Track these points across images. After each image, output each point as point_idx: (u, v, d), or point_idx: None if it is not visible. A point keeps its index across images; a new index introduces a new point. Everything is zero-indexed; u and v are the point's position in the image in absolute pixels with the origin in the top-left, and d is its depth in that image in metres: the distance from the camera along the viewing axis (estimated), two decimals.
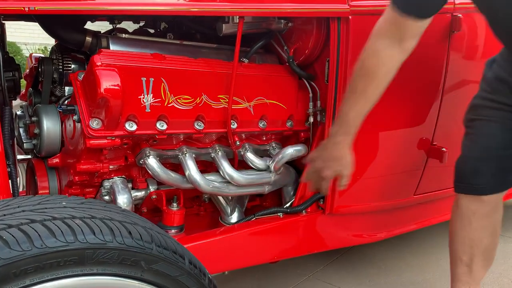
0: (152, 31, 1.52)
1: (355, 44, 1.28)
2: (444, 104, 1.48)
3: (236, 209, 1.48)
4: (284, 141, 1.48)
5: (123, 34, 1.24)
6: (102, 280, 0.66)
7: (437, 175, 1.63)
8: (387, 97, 1.40)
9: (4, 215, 0.64)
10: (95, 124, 1.09)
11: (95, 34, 1.24)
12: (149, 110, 1.13)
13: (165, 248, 0.70)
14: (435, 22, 1.40)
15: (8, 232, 0.60)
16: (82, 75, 1.14)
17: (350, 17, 1.26)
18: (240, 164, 1.40)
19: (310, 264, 1.91)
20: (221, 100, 1.25)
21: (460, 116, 1.58)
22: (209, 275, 0.77)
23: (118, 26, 1.38)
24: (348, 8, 1.26)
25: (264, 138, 1.44)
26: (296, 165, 1.51)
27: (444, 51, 1.42)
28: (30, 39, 6.91)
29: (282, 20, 1.34)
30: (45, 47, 6.80)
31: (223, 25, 1.25)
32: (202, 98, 1.21)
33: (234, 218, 1.47)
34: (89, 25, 1.32)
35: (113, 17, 1.34)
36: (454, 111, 1.54)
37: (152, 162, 1.21)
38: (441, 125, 1.51)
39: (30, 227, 0.61)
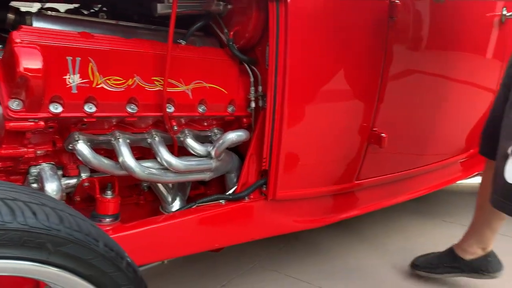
0: (86, 12, 1.44)
1: (293, 27, 1.26)
2: (383, 92, 1.50)
3: (178, 198, 1.44)
4: (227, 127, 1.45)
5: (49, 12, 1.17)
6: (4, 264, 0.61)
7: (378, 161, 1.65)
8: (328, 85, 1.41)
9: None
10: (15, 105, 1.02)
11: (19, 12, 1.16)
12: (76, 91, 1.07)
13: (76, 230, 0.66)
14: (373, 8, 1.42)
15: None
16: (2, 54, 1.06)
17: None
18: (180, 151, 1.36)
19: (256, 252, 1.90)
20: (156, 83, 1.20)
21: (399, 103, 1.61)
22: (128, 259, 0.73)
23: (47, 4, 1.31)
24: None
25: (205, 124, 1.41)
26: (239, 151, 1.49)
27: (383, 38, 1.44)
28: None
29: (221, 2, 1.31)
30: None
31: (158, 4, 1.21)
32: (135, 80, 1.16)
33: (175, 207, 1.43)
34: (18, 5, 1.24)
35: None
36: (393, 97, 1.57)
37: (82, 147, 1.14)
38: (381, 112, 1.53)
39: None
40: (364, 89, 1.48)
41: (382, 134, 1.53)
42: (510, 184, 1.10)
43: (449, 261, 1.61)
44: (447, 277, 1.61)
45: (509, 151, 1.11)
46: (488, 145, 1.43)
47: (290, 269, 1.77)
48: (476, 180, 2.18)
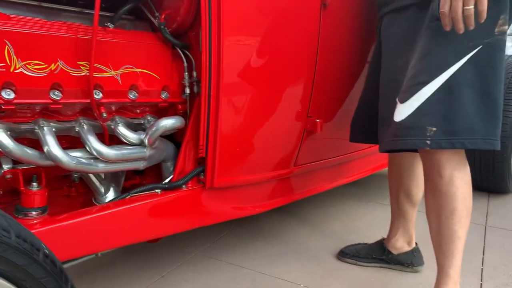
0: None
1: (227, 12, 1.25)
2: (318, 78, 1.53)
3: (111, 189, 1.39)
4: (161, 114, 1.42)
5: None
6: None
7: (314, 146, 1.69)
8: (263, 70, 1.41)
9: None
10: None
11: None
12: None
13: None
14: None
15: None
16: None
17: None
18: (112, 139, 1.31)
19: (197, 241, 1.89)
20: (81, 67, 1.14)
21: (333, 90, 1.65)
22: (45, 250, 0.69)
23: None
24: None
25: (138, 111, 1.36)
26: (175, 139, 1.46)
27: (316, 25, 1.46)
28: None
29: None
30: None
31: None
32: (58, 64, 1.10)
33: (109, 197, 1.38)
34: None
35: None
36: (328, 83, 1.60)
37: (2, 137, 1.07)
38: (316, 98, 1.56)
39: None
40: (300, 76, 1.50)
41: (317, 120, 1.56)
42: (397, 122, 1.23)
43: (378, 253, 1.68)
44: (372, 267, 1.69)
45: (396, 100, 1.24)
46: (361, 130, 1.55)
47: (232, 257, 1.77)
48: None
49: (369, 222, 2.14)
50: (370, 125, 1.44)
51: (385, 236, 1.71)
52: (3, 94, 1.03)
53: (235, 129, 1.42)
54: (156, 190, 1.37)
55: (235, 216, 1.61)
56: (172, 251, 1.79)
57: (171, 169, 1.44)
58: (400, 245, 1.66)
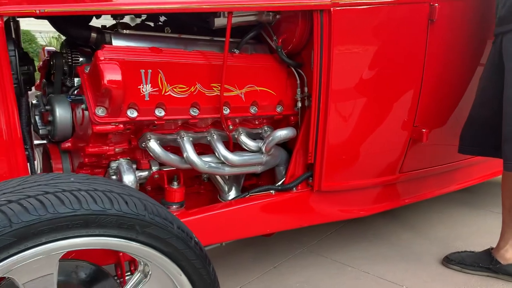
0: (152, 24, 1.64)
1: (337, 34, 1.39)
2: (424, 90, 1.59)
3: (233, 188, 1.62)
4: (276, 125, 1.61)
5: (125, 30, 1.37)
6: (104, 240, 0.80)
7: (420, 154, 1.74)
8: (369, 85, 1.52)
9: (24, 188, 0.78)
10: (100, 111, 1.23)
11: (100, 31, 1.37)
12: (148, 99, 1.27)
13: (156, 215, 0.84)
14: (414, 11, 1.51)
15: (27, 201, 0.74)
16: (88, 68, 1.28)
17: (331, 9, 1.37)
18: (235, 146, 1.53)
19: (305, 238, 2.05)
20: (214, 88, 1.37)
21: (440, 100, 1.69)
22: (195, 239, 0.91)
23: (121, 21, 1.51)
24: (329, 1, 1.36)
25: (257, 122, 1.57)
26: (287, 146, 1.64)
27: (423, 39, 1.52)
28: (44, 27, 7.09)
29: (271, 13, 1.46)
30: (59, 35, 6.98)
31: (215, 19, 1.37)
32: (196, 87, 1.34)
33: (231, 195, 1.61)
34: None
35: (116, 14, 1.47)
36: (435, 94, 1.65)
37: (153, 145, 1.35)
38: (422, 109, 1.62)
39: (45, 197, 0.76)
40: (406, 88, 1.58)
41: (423, 130, 1.62)
42: None
43: (485, 262, 1.68)
44: (478, 275, 1.68)
45: None
46: (475, 143, 1.56)
47: (336, 255, 1.91)
48: None
49: (477, 230, 2.10)
50: (487, 139, 1.48)
51: (494, 246, 1.70)
52: (156, 112, 1.30)
53: (342, 138, 1.55)
54: (271, 191, 1.57)
55: (341, 218, 1.75)
56: (283, 246, 1.98)
57: (284, 173, 1.62)
58: (509, 256, 1.64)
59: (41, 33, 7.28)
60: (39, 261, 0.75)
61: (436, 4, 1.48)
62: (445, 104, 1.72)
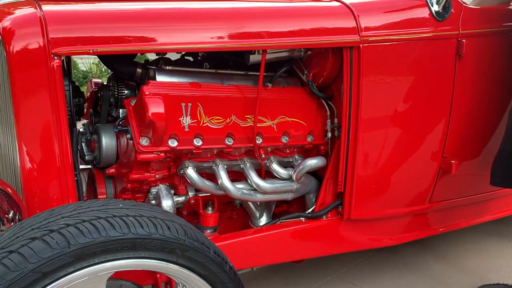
0: (191, 59, 1.76)
1: (366, 69, 1.45)
2: (453, 122, 1.62)
3: (264, 214, 1.68)
4: (306, 154, 1.67)
5: (167, 67, 1.48)
6: (148, 262, 0.88)
7: (450, 184, 1.75)
8: (398, 117, 1.57)
9: (79, 213, 0.88)
10: (144, 141, 1.33)
11: (144, 66, 1.49)
12: (188, 129, 1.36)
13: (195, 240, 0.92)
14: (442, 46, 1.56)
15: (83, 225, 0.83)
16: (134, 101, 1.39)
17: (360, 46, 1.44)
18: (267, 174, 1.60)
19: (335, 265, 2.07)
20: (248, 120, 1.46)
21: (470, 132, 1.71)
22: (230, 263, 0.98)
23: (163, 56, 1.63)
24: (358, 39, 1.44)
25: (288, 151, 1.64)
26: (317, 174, 1.70)
27: (451, 72, 1.56)
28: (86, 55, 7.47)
29: (302, 49, 1.54)
30: (99, 61, 7.33)
31: (250, 56, 1.47)
32: (232, 118, 1.43)
33: (262, 221, 1.66)
34: None
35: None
36: (462, 127, 1.67)
37: (191, 172, 1.43)
38: (451, 140, 1.64)
39: (98, 222, 0.84)
40: (434, 120, 1.61)
41: (452, 161, 1.64)
42: None
43: None
44: None
45: None
46: (507, 175, 1.54)
47: (366, 283, 1.92)
48: None
49: (511, 262, 2.07)
50: None
51: None
52: (195, 142, 1.39)
53: (371, 168, 1.60)
54: (301, 218, 1.62)
55: (370, 246, 1.77)
56: (312, 273, 2.01)
57: (314, 200, 1.67)
58: None
59: (82, 59, 7.67)
60: (92, 280, 0.84)
61: (464, 40, 1.53)
62: (475, 136, 1.74)
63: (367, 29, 1.45)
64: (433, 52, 1.54)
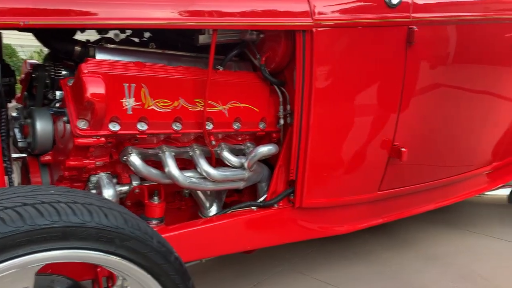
0: (137, 40, 1.65)
1: (319, 54, 1.42)
2: (403, 109, 1.63)
3: (214, 204, 1.62)
4: (258, 141, 1.62)
5: (109, 45, 1.37)
6: (83, 253, 0.80)
7: (399, 172, 1.77)
8: (349, 104, 1.55)
9: (2, 199, 0.77)
10: (82, 124, 1.22)
11: (84, 44, 1.37)
12: (131, 112, 1.27)
13: (136, 229, 0.84)
14: (393, 33, 1.56)
15: (5, 213, 0.73)
16: (72, 81, 1.27)
17: (314, 30, 1.40)
18: (217, 162, 1.54)
19: (286, 255, 2.05)
20: (197, 104, 1.38)
21: (420, 118, 1.73)
22: (175, 254, 0.91)
23: (105, 35, 1.52)
24: (311, 22, 1.40)
25: (239, 138, 1.58)
26: (269, 162, 1.65)
27: (402, 60, 1.57)
28: (26, 42, 7.02)
29: (254, 32, 1.48)
30: (41, 50, 6.93)
31: (200, 36, 1.39)
32: (180, 102, 1.35)
33: (212, 211, 1.60)
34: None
35: (100, 28, 1.47)
36: (414, 114, 1.69)
37: (134, 159, 1.34)
38: (401, 128, 1.65)
39: (23, 209, 0.75)
40: (385, 108, 1.61)
41: (402, 149, 1.65)
42: None
43: None
44: None
45: None
46: None
47: (317, 273, 1.91)
48: (501, 191, 2.25)
49: (455, 248, 2.13)
50: None
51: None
52: (139, 126, 1.29)
53: (323, 156, 1.57)
54: (252, 207, 1.57)
55: (322, 235, 1.75)
56: (263, 263, 1.97)
57: (266, 189, 1.63)
58: None
59: (23, 47, 7.22)
60: (16, 274, 0.74)
61: (415, 27, 1.53)
62: (425, 125, 1.76)
63: (320, 13, 1.42)
64: (385, 38, 1.53)
